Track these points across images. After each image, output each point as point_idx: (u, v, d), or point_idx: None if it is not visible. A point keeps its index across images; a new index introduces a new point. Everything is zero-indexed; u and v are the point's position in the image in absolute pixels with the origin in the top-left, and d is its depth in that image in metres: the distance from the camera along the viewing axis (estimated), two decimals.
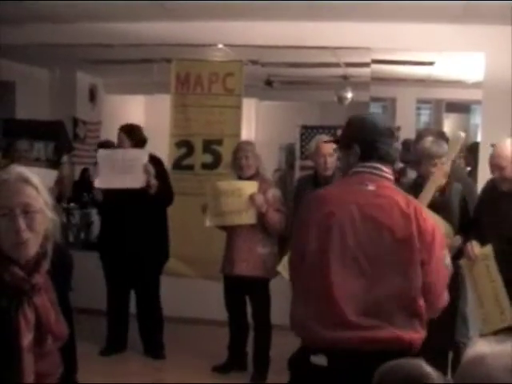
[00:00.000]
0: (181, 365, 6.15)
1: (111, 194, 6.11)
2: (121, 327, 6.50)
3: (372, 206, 2.97)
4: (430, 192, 4.83)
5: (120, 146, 6.37)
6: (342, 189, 3.11)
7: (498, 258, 4.70)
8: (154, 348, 6.44)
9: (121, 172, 6.07)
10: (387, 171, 3.09)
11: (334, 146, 5.66)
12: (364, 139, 3.06)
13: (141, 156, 6.14)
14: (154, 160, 6.32)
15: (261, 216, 5.70)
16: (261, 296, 5.92)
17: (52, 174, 6.28)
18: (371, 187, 3.01)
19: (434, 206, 4.70)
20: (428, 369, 2.02)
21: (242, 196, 5.71)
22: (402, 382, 2.02)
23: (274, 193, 5.84)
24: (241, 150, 5.93)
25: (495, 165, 4.82)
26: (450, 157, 5.05)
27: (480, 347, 1.69)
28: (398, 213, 2.96)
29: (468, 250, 4.82)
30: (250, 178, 5.85)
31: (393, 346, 2.80)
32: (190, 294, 7.16)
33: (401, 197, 3.04)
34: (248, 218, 5.73)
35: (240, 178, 5.93)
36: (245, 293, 5.94)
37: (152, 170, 6.08)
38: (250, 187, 5.74)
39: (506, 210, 4.78)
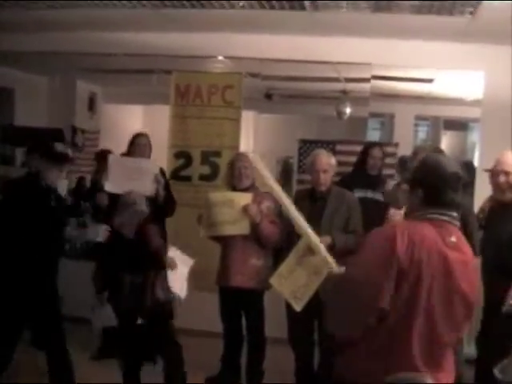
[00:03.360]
0: None
1: (116, 201, 6.11)
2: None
3: (455, 262, 2.95)
4: None
5: (142, 150, 6.44)
6: (427, 233, 2.96)
7: (499, 267, 4.69)
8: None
9: (130, 179, 6.11)
10: (457, 219, 3.08)
11: (329, 161, 5.69)
12: (428, 185, 3.03)
13: (152, 166, 6.24)
14: (160, 171, 6.44)
15: (255, 227, 5.69)
16: (255, 308, 5.91)
17: (63, 184, 6.40)
18: (453, 239, 3.00)
19: None
20: (430, 381, 2.06)
21: (236, 207, 5.70)
22: None
23: (268, 204, 5.82)
24: (239, 160, 5.92)
25: (501, 170, 4.84)
26: None
27: None
28: (472, 272, 3.07)
29: None
30: (245, 190, 5.84)
31: None
32: (185, 305, 7.13)
33: (470, 250, 3.11)
34: (241, 228, 5.71)
35: (235, 189, 5.92)
36: (240, 305, 5.93)
37: (162, 180, 6.19)
38: (243, 198, 5.72)
39: (505, 220, 4.79)
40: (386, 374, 2.89)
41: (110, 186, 6.09)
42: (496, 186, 4.93)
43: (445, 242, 2.95)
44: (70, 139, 9.75)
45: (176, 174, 7.50)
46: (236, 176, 5.86)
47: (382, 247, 2.96)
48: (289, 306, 5.51)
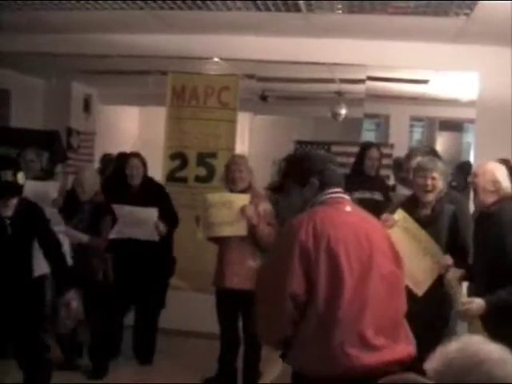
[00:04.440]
0: (171, 377, 6.13)
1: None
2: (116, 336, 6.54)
3: (358, 225, 3.16)
4: None
5: (135, 172, 6.49)
6: (326, 211, 3.17)
7: (490, 278, 4.62)
8: (143, 354, 6.59)
9: (133, 225, 6.22)
10: (344, 193, 3.32)
11: None
12: (320, 170, 3.28)
13: (152, 214, 6.28)
14: (155, 186, 6.63)
15: (252, 228, 5.70)
16: (251, 309, 5.90)
17: (55, 186, 6.46)
18: (348, 208, 3.23)
19: (420, 223, 4.77)
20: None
21: (233, 208, 5.71)
22: None
23: (265, 206, 5.84)
24: (234, 163, 5.94)
25: (471, 181, 4.96)
26: None
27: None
28: (380, 229, 3.32)
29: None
30: (242, 192, 5.85)
31: (406, 362, 2.94)
32: (182, 306, 7.15)
33: (367, 215, 3.34)
34: (239, 229, 5.73)
35: (232, 191, 5.94)
36: (236, 306, 5.93)
37: (162, 227, 6.27)
38: (241, 200, 5.74)
39: (485, 230, 4.71)
40: (355, 349, 2.93)
41: (114, 234, 6.24)
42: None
43: (342, 212, 3.19)
44: (66, 140, 9.76)
45: (172, 176, 7.51)
46: (230, 179, 5.88)
47: (284, 240, 3.26)
48: None
